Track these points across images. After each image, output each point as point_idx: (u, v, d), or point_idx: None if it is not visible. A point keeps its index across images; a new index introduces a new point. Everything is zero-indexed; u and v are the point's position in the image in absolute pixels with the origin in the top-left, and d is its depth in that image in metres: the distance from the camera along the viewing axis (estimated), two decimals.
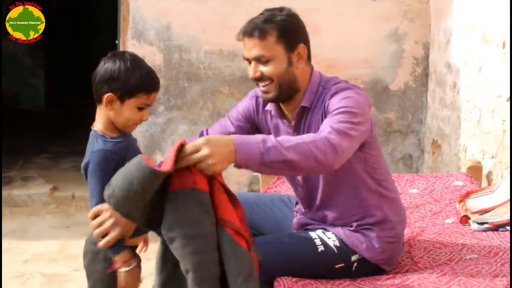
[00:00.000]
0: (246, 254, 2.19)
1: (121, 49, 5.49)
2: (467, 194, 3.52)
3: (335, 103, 2.50)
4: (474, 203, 3.40)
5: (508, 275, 2.55)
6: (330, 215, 2.75)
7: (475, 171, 3.94)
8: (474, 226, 3.20)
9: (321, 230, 2.74)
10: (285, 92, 2.62)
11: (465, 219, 3.29)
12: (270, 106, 2.77)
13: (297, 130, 2.69)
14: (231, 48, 5.40)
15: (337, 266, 2.64)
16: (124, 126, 2.48)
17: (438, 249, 2.96)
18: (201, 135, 2.86)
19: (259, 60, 2.57)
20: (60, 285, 4.08)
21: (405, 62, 5.61)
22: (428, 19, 5.51)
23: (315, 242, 2.66)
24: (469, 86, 4.48)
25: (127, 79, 2.40)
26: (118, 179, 2.11)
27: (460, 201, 3.47)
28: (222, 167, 2.16)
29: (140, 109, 2.45)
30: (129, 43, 5.38)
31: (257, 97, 2.84)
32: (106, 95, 2.41)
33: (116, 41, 5.61)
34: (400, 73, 5.62)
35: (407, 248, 3.00)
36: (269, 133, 2.77)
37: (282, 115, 2.75)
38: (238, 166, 2.20)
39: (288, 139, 2.28)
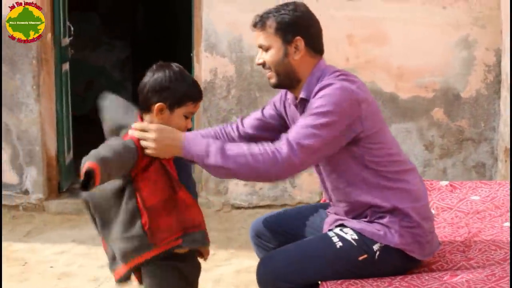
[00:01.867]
0: None
1: (195, 61, 5.66)
2: None
3: (312, 102, 2.66)
4: None
5: None
6: (344, 208, 2.84)
7: None
8: None
9: (338, 228, 2.80)
10: (284, 81, 2.79)
11: None
12: (288, 94, 2.93)
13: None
14: None
15: (360, 258, 2.69)
16: None
17: (493, 250, 2.95)
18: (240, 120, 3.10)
19: (262, 48, 2.79)
20: None
21: (477, 69, 5.57)
22: (499, 25, 5.46)
23: (332, 240, 2.73)
24: None
25: (176, 88, 2.56)
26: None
27: None
28: (162, 155, 2.54)
29: (186, 117, 2.61)
30: (202, 55, 5.55)
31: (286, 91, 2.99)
32: (156, 105, 2.55)
33: (191, 54, 5.79)
34: (472, 80, 5.59)
35: (462, 248, 3.01)
36: (290, 121, 2.94)
37: (296, 103, 2.88)
38: (187, 161, 2.61)
39: (233, 148, 2.58)
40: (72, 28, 6.02)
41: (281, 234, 3.03)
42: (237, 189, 5.68)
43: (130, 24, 10.41)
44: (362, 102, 2.66)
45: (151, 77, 2.60)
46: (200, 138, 2.61)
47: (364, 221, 2.78)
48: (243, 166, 2.55)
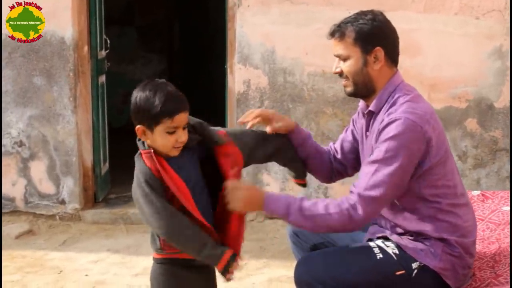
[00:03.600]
0: None
1: (229, 73, 5.72)
2: None
3: (381, 140, 2.66)
4: None
5: None
6: (390, 224, 2.85)
7: None
8: None
9: (381, 240, 2.82)
10: (361, 90, 2.81)
11: None
12: (361, 103, 2.94)
13: (368, 129, 2.85)
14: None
15: (397, 273, 2.69)
16: (165, 151, 2.55)
17: None
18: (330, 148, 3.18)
19: (339, 57, 2.79)
20: None
21: (510, 79, 5.54)
22: None
23: (373, 250, 2.74)
24: None
25: (148, 108, 2.49)
26: None
27: None
28: (244, 211, 2.69)
29: (171, 133, 2.51)
30: (235, 67, 5.61)
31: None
32: (137, 128, 2.55)
33: (225, 66, 5.85)
34: (505, 90, 5.55)
35: (492, 264, 3.00)
36: (359, 132, 2.98)
37: (365, 113, 2.90)
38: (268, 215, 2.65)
39: (310, 207, 2.66)
40: (108, 41, 6.12)
41: (318, 235, 3.06)
42: None
43: (166, 38, 10.53)
44: (431, 138, 2.65)
45: (132, 99, 2.56)
46: (279, 198, 2.70)
47: (408, 239, 2.79)
48: (322, 226, 2.68)
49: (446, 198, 2.75)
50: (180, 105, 2.51)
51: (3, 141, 5.63)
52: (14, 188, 5.68)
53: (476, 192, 3.79)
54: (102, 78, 6.04)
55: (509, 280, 2.82)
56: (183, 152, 2.59)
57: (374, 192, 2.61)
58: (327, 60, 5.42)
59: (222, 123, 5.99)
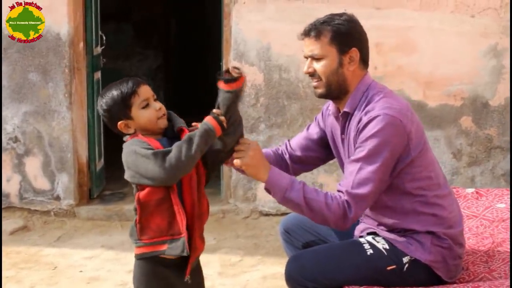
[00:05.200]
0: None
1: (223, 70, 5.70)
2: None
3: (363, 139, 2.67)
4: None
5: None
6: (376, 223, 2.87)
7: None
8: None
9: (371, 236, 2.83)
10: (333, 91, 2.80)
11: None
12: (331, 106, 2.93)
13: (344, 132, 2.84)
14: None
15: (389, 268, 2.72)
16: (153, 126, 2.62)
17: None
18: (286, 146, 3.13)
19: (313, 57, 2.77)
20: None
21: (505, 77, 5.55)
22: None
23: (363, 246, 2.76)
24: None
25: (114, 102, 2.60)
26: None
27: None
28: (246, 170, 2.69)
29: (146, 107, 2.60)
30: (231, 64, 5.60)
31: (328, 105, 3.01)
32: (119, 125, 2.63)
33: (220, 63, 5.85)
34: (500, 88, 5.57)
35: (485, 258, 3.01)
36: (329, 134, 2.99)
37: (338, 115, 2.89)
38: (266, 189, 2.70)
39: (311, 191, 2.65)
40: (104, 38, 6.11)
41: (310, 233, 3.08)
42: (265, 196, 5.69)
43: (163, 34, 10.51)
44: (410, 131, 2.67)
45: (99, 111, 2.69)
46: (285, 175, 2.70)
47: (397, 234, 2.80)
48: (316, 213, 2.66)
49: (430, 190, 2.77)
50: (134, 81, 2.62)
51: None
52: (9, 184, 5.67)
53: (470, 190, 3.81)
54: (98, 75, 6.03)
55: (502, 275, 2.84)
56: (163, 139, 2.64)
57: (362, 190, 2.63)
58: None
59: None
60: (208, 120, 2.56)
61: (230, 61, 5.62)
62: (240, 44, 5.56)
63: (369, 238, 2.82)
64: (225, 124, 2.57)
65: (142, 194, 2.57)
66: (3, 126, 5.60)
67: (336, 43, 2.74)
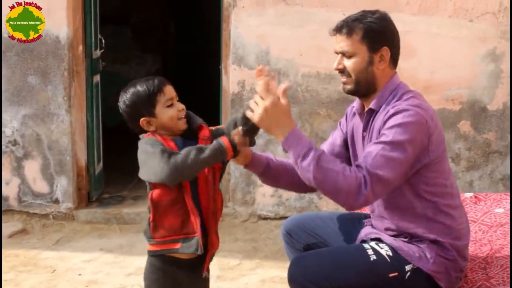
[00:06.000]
0: None
1: (223, 73, 5.72)
2: None
3: (388, 126, 2.63)
4: None
5: None
6: (384, 225, 2.85)
7: None
8: None
9: (374, 242, 2.82)
10: (362, 88, 2.78)
11: None
12: (356, 103, 2.92)
13: (366, 129, 2.83)
14: (327, 71, 5.53)
15: (391, 275, 2.70)
16: (174, 125, 2.66)
17: None
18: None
19: (344, 54, 2.76)
20: None
21: (504, 82, 5.56)
22: None
23: (367, 252, 2.75)
24: None
25: (140, 98, 2.64)
26: None
27: None
28: (261, 126, 2.57)
29: (170, 106, 2.64)
30: (230, 68, 5.61)
31: (353, 107, 3.00)
32: (141, 122, 2.64)
33: (220, 66, 5.86)
34: (499, 93, 5.58)
35: (484, 265, 3.01)
36: (350, 133, 2.96)
37: (362, 112, 2.88)
38: (282, 146, 2.61)
39: (328, 160, 2.55)
40: (103, 41, 6.12)
41: (311, 235, 3.08)
42: (264, 199, 5.72)
43: (161, 38, 10.52)
44: (432, 134, 2.66)
45: (121, 106, 2.70)
46: (305, 139, 2.58)
47: (402, 241, 2.80)
48: (329, 183, 2.54)
49: (442, 198, 2.76)
50: (161, 79, 2.68)
51: None
52: (8, 187, 5.67)
53: (469, 194, 3.81)
54: (97, 78, 6.04)
55: (500, 281, 2.84)
56: (178, 138, 2.68)
57: (380, 172, 2.55)
58: (322, 61, 5.49)
59: (217, 123, 6.00)
60: (223, 140, 2.58)
61: (229, 65, 5.62)
62: (239, 48, 5.57)
63: (373, 243, 2.80)
64: (238, 148, 2.63)
65: (155, 193, 2.62)
66: (2, 129, 5.60)
67: (367, 41, 2.72)
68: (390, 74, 2.79)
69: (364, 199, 2.54)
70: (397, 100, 2.72)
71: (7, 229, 5.40)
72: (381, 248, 2.77)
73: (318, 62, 5.49)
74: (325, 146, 3.10)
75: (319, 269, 2.69)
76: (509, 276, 2.87)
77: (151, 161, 2.54)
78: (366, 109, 2.82)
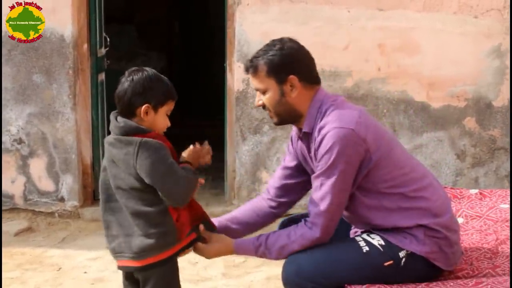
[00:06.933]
0: None
1: (228, 71, 5.72)
2: None
3: (319, 158, 2.73)
4: None
5: None
6: (368, 227, 2.88)
7: None
8: None
9: (366, 234, 2.84)
10: (286, 118, 2.86)
11: None
12: (293, 128, 2.97)
13: (310, 151, 2.86)
14: (332, 68, 5.53)
15: (386, 264, 2.73)
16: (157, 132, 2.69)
17: None
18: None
19: (259, 91, 2.83)
20: None
21: (509, 78, 5.54)
22: None
23: (359, 244, 2.78)
24: None
25: (158, 88, 2.65)
26: None
27: None
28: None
29: (166, 116, 2.70)
30: (235, 66, 5.61)
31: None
32: (143, 107, 2.63)
33: (224, 64, 5.85)
34: (504, 89, 5.57)
35: (489, 255, 3.02)
36: (301, 156, 2.99)
37: (301, 136, 2.92)
38: None
39: (275, 244, 2.82)
40: (108, 39, 6.12)
41: None
42: None
43: (166, 36, 10.52)
44: (365, 137, 2.68)
45: (131, 81, 2.66)
46: (248, 245, 2.87)
47: (391, 231, 2.81)
48: (290, 251, 2.79)
49: (407, 186, 2.78)
50: (175, 93, 2.74)
51: (3, 138, 5.64)
52: (14, 186, 5.69)
53: (474, 191, 3.81)
54: (102, 76, 6.04)
55: (506, 271, 2.85)
56: None
57: (322, 206, 2.70)
58: (326, 59, 5.48)
59: (222, 121, 6.01)
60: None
61: (233, 63, 5.62)
62: (243, 45, 5.57)
63: (364, 235, 2.83)
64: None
65: None
66: (8, 127, 5.62)
67: (273, 75, 2.77)
68: (309, 96, 2.81)
69: (326, 233, 2.75)
70: (322, 118, 2.76)
71: (13, 227, 5.42)
72: (373, 239, 2.79)
73: (322, 59, 5.46)
74: (277, 173, 3.14)
75: (314, 267, 2.72)
76: None
77: (170, 181, 2.61)
78: (301, 133, 2.87)
